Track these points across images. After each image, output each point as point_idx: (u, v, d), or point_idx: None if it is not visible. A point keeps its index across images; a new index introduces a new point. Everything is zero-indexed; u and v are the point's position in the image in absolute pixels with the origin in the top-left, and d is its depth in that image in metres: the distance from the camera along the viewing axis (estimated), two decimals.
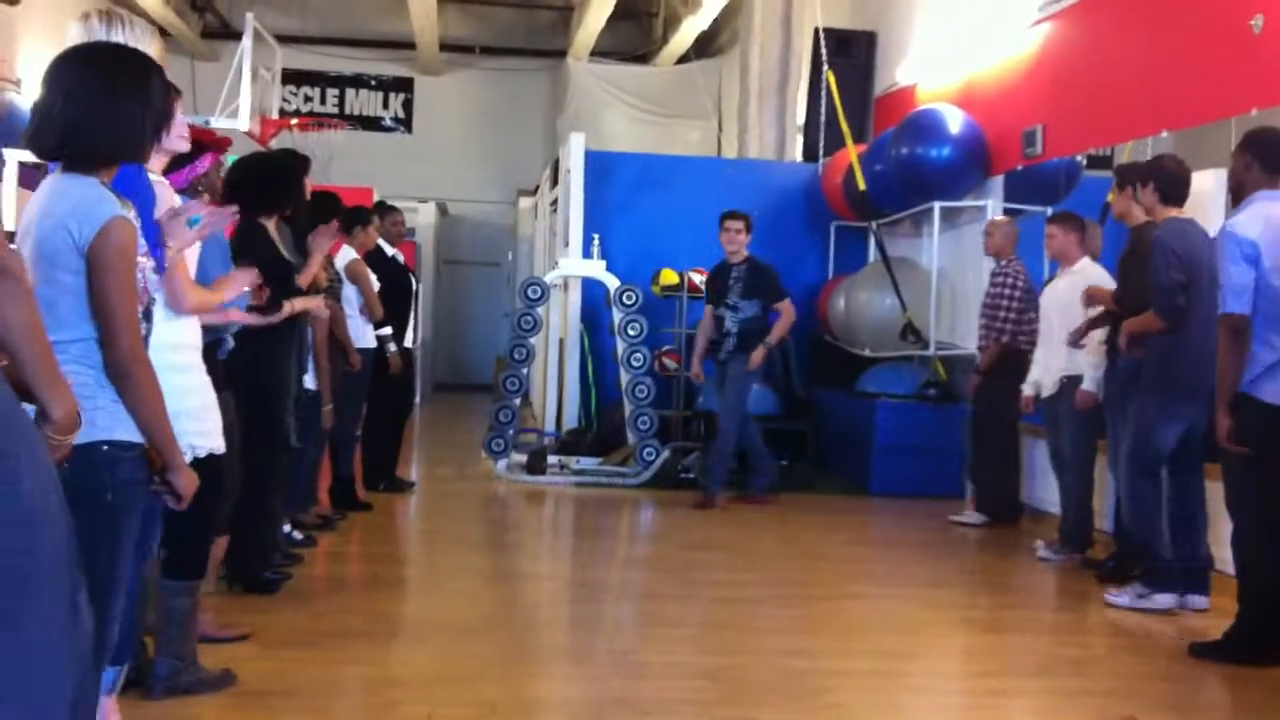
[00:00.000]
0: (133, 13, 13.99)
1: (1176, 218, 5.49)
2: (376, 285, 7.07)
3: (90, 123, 2.62)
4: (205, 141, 4.26)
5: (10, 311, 2.15)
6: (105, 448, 2.60)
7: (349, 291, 6.84)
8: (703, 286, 8.66)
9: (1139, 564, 5.78)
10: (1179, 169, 5.60)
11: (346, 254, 6.83)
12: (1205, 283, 5.25)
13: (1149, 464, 5.48)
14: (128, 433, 2.65)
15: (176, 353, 3.45)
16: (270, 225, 4.71)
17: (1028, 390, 6.82)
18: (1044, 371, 6.69)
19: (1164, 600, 5.42)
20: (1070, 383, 6.43)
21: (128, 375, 2.62)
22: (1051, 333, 6.60)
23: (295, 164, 5.05)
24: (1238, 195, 4.86)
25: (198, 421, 3.50)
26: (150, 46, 3.20)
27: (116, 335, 2.59)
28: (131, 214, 2.66)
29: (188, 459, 3.25)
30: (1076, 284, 6.37)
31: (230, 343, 4.35)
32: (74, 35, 3.19)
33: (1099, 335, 6.15)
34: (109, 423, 2.61)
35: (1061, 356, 6.49)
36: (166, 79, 2.83)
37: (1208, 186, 6.11)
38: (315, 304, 5.14)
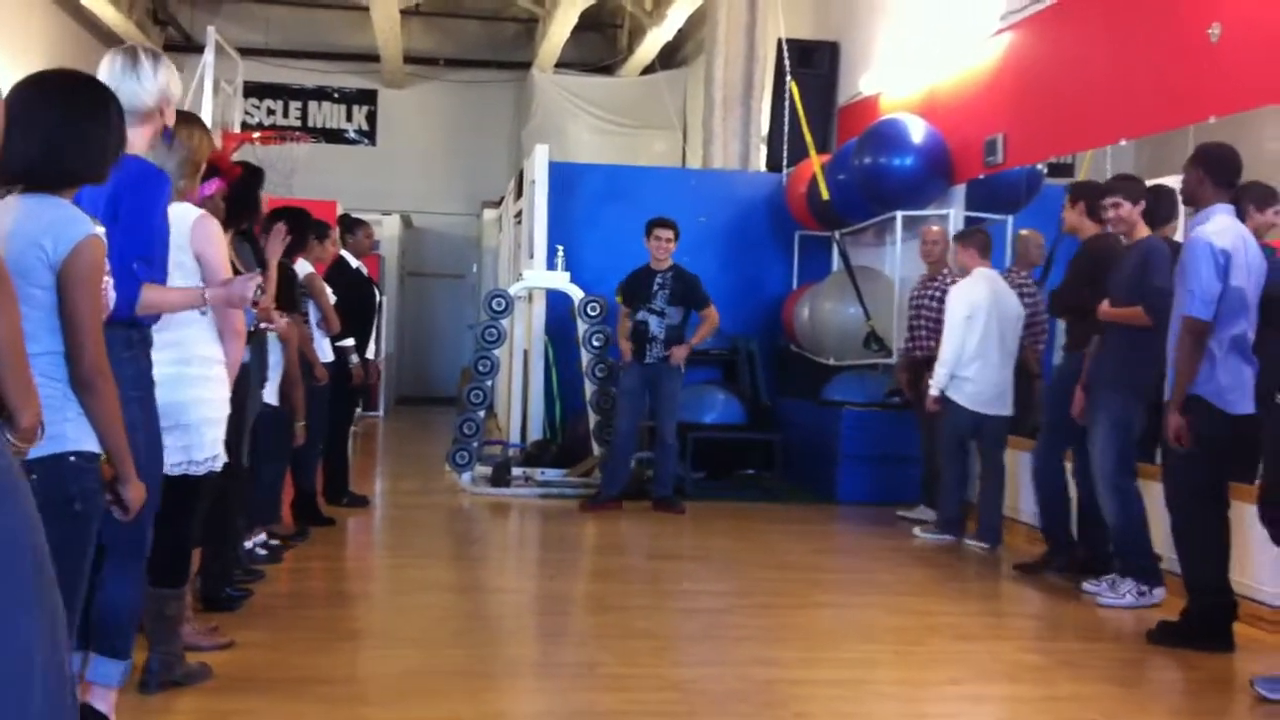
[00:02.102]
0: (96, 26, 13.93)
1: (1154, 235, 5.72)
2: (333, 298, 7.04)
3: (53, 147, 2.71)
4: (215, 165, 4.28)
5: (10, 320, 2.23)
6: (73, 459, 2.69)
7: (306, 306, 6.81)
8: (619, 290, 8.59)
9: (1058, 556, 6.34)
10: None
11: (303, 268, 6.79)
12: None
13: (1131, 464, 5.61)
14: (92, 443, 2.74)
15: (219, 366, 3.85)
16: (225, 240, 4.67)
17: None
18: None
19: (1160, 594, 5.61)
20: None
21: (92, 386, 2.71)
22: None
23: (248, 177, 5.00)
24: (1190, 203, 5.13)
25: (220, 430, 3.83)
26: (173, 81, 3.35)
27: (84, 347, 2.68)
28: (101, 231, 2.75)
29: (203, 471, 3.74)
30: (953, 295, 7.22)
31: (245, 355, 4.43)
32: (104, 71, 3.26)
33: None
34: (77, 434, 2.70)
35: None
36: (121, 105, 2.90)
37: None
38: (279, 325, 5.16)
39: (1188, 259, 4.86)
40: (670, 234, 8.23)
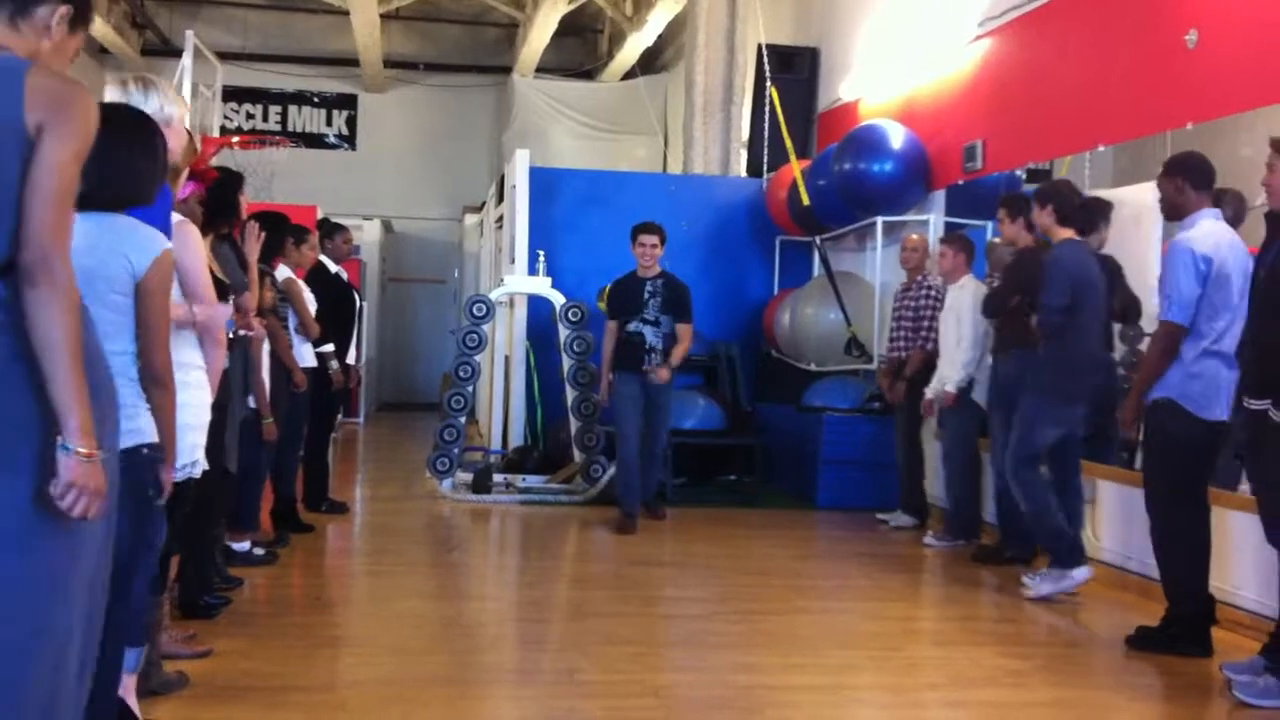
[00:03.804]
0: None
1: (1072, 239, 5.89)
2: (313, 304, 7.02)
3: (111, 175, 2.99)
4: (191, 170, 4.29)
5: (64, 320, 2.19)
6: (146, 450, 2.95)
7: (286, 312, 6.78)
8: (605, 298, 8.47)
9: (1011, 547, 6.74)
10: (1072, 192, 6.08)
11: (282, 272, 6.77)
12: (1093, 299, 5.73)
13: (1030, 457, 5.90)
14: (155, 435, 3.00)
15: (198, 371, 3.94)
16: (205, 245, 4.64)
17: (929, 395, 7.47)
18: (937, 378, 7.40)
19: (1081, 574, 5.80)
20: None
21: (163, 384, 3.01)
22: (945, 343, 7.37)
23: (225, 181, 4.98)
24: (1173, 216, 5.09)
25: (200, 437, 3.90)
26: (178, 108, 3.61)
27: (158, 348, 2.99)
28: (170, 246, 3.10)
29: (187, 474, 3.81)
30: (962, 298, 7.23)
31: (226, 362, 4.44)
32: (109, 97, 3.52)
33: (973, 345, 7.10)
34: (149, 427, 2.97)
35: (948, 364, 7.29)
36: (166, 139, 3.23)
37: (1146, 199, 6.19)
38: (258, 331, 5.16)
39: (1168, 265, 4.88)
40: (655, 239, 7.98)
